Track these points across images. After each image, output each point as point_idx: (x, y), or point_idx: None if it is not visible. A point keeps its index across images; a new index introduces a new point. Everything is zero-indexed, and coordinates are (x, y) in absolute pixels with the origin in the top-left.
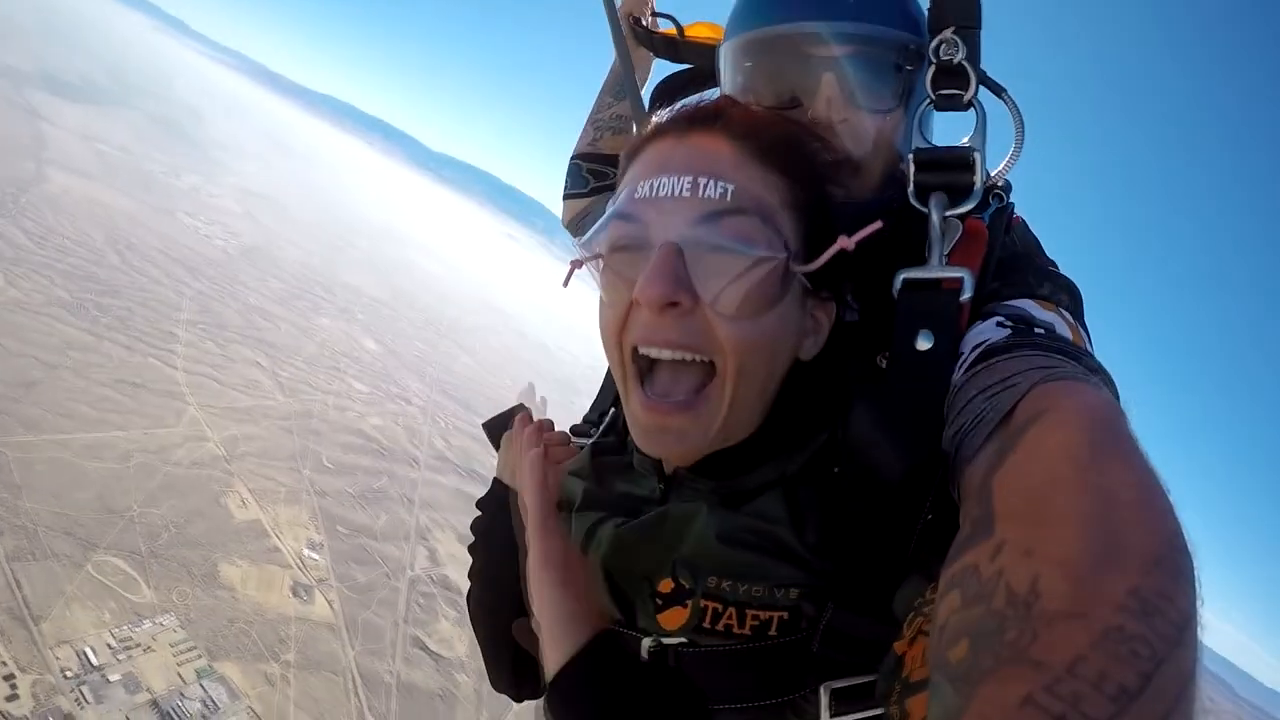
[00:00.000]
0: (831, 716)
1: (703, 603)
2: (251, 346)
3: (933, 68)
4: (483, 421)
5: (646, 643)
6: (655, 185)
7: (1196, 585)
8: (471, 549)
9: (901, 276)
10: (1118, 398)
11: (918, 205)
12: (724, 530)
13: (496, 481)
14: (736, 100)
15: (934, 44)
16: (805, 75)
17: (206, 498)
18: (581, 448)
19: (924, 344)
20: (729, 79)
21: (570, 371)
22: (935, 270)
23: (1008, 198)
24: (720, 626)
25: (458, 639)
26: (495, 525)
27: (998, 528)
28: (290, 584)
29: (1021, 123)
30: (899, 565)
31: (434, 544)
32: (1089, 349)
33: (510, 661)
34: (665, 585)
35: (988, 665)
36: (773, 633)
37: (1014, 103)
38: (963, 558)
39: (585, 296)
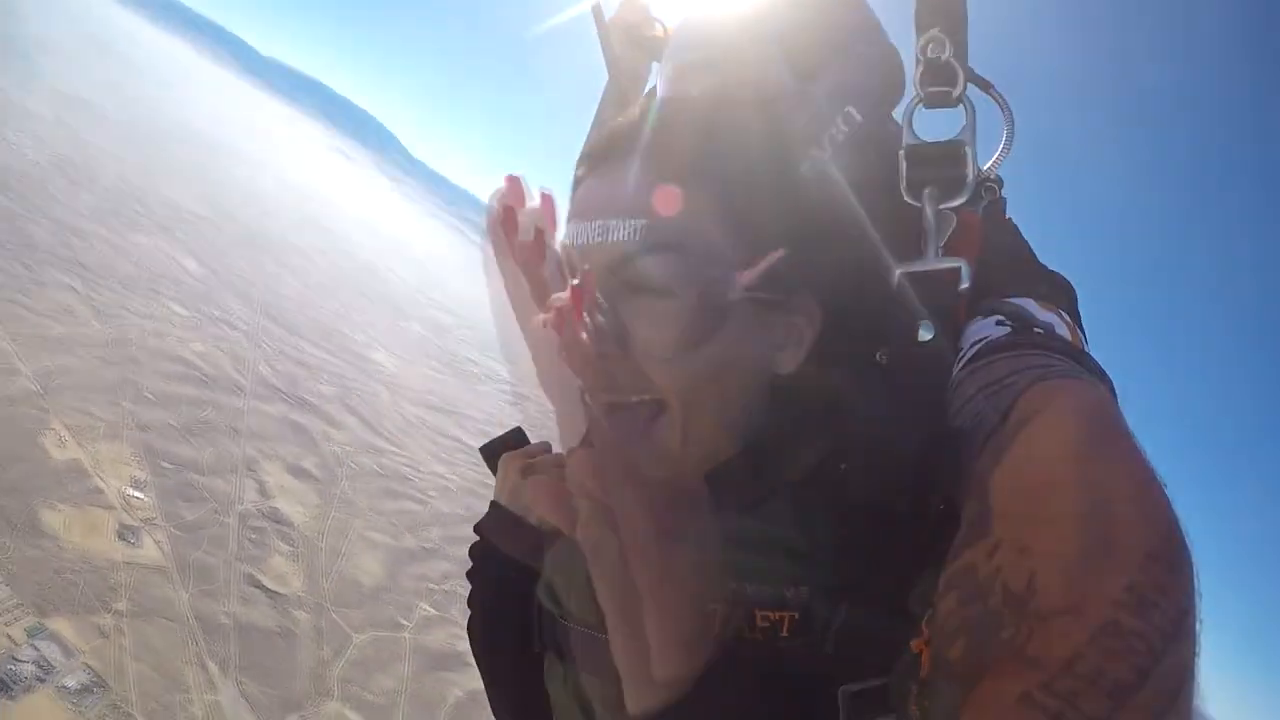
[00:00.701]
0: None
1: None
2: (64, 269)
3: (921, 66)
4: (480, 446)
5: None
6: (576, 232)
7: (1193, 579)
8: (470, 575)
9: (899, 271)
10: (1115, 397)
11: (911, 200)
12: (728, 532)
13: (495, 505)
14: (655, 111)
15: (921, 42)
16: None
17: (21, 437)
18: None
19: (925, 335)
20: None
21: (398, 294)
22: (932, 263)
23: (1000, 191)
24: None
25: (292, 574)
26: (495, 550)
27: (994, 527)
28: (116, 527)
29: (1011, 117)
30: (913, 559)
31: (263, 476)
32: (1086, 350)
33: (513, 696)
34: None
35: (985, 663)
36: (784, 634)
37: (1002, 97)
38: (961, 558)
39: (412, 217)
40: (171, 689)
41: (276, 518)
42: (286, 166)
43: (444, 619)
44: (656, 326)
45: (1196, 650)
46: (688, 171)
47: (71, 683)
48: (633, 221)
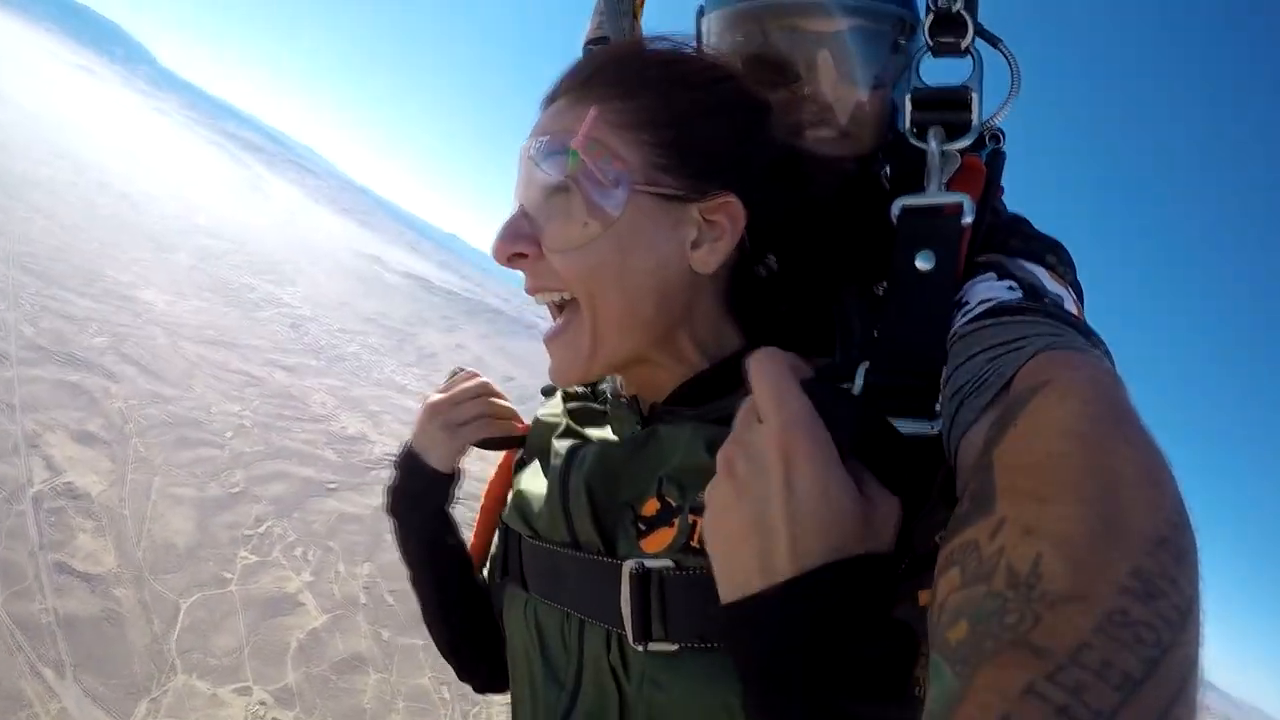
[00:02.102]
0: None
1: (691, 518)
2: None
3: (931, 16)
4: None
5: (629, 566)
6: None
7: (1199, 567)
8: (391, 510)
9: (900, 203)
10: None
11: (915, 141)
12: (715, 439)
13: (407, 444)
14: (587, 58)
15: None
16: (799, 51)
17: None
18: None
19: (924, 264)
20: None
21: (161, 223)
22: (935, 196)
23: (1002, 143)
24: None
25: (103, 551)
26: (406, 488)
27: (998, 504)
28: None
29: (1017, 70)
30: (909, 480)
31: (48, 450)
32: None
33: (457, 631)
34: (650, 507)
35: (988, 649)
36: None
37: (1009, 51)
38: (962, 534)
39: (169, 136)
40: (13, 708)
41: (72, 493)
42: (22, 92)
43: (266, 563)
44: (556, 221)
45: (1202, 640)
46: (592, 91)
47: None
48: (539, 140)
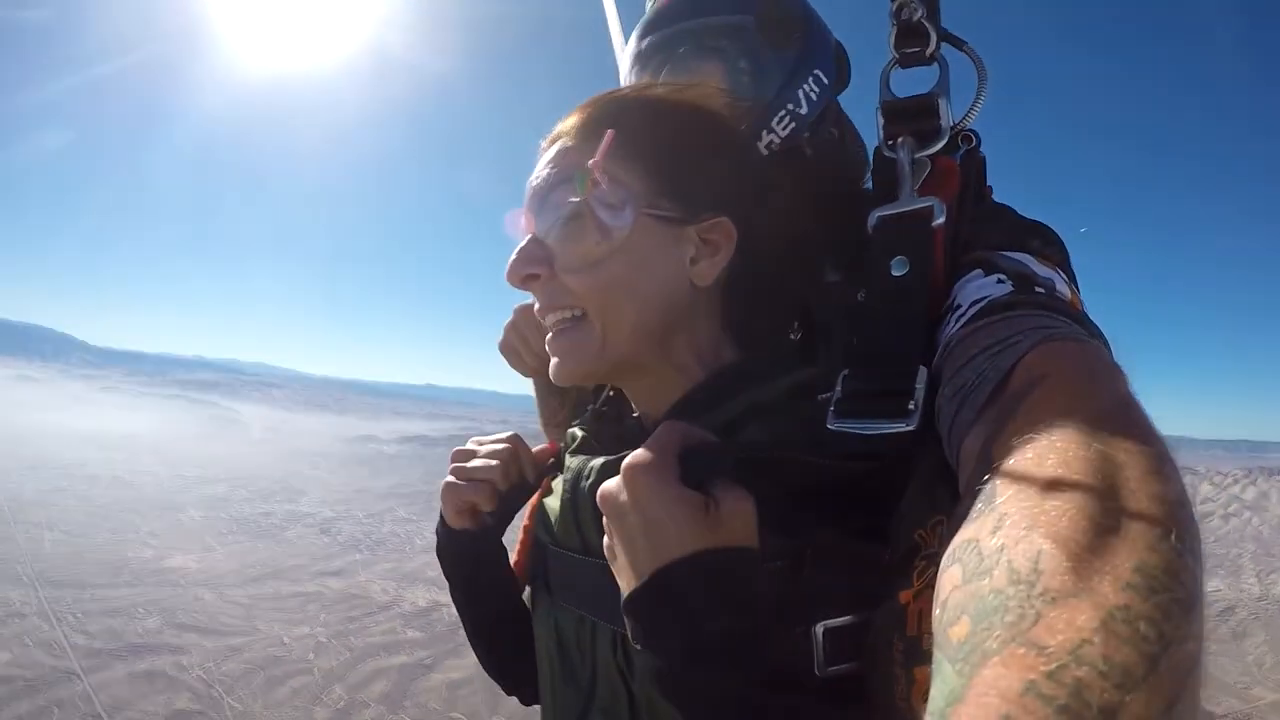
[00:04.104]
0: (828, 666)
1: None
2: None
3: (895, 29)
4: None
5: None
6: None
7: (1201, 562)
8: (438, 553)
9: (876, 214)
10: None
11: (887, 152)
12: None
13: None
14: (587, 102)
15: (894, 6)
16: (695, 73)
17: None
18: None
19: (899, 270)
20: None
21: (157, 490)
22: (907, 204)
23: (977, 145)
24: None
25: None
26: (446, 541)
27: (999, 500)
28: None
29: (983, 71)
30: (892, 479)
31: None
32: (1085, 311)
33: (497, 651)
34: None
35: (989, 647)
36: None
37: (975, 53)
38: (964, 531)
39: (126, 407)
40: None
41: None
42: None
43: None
44: (568, 244)
45: (1204, 636)
46: (596, 130)
47: None
48: (550, 170)
